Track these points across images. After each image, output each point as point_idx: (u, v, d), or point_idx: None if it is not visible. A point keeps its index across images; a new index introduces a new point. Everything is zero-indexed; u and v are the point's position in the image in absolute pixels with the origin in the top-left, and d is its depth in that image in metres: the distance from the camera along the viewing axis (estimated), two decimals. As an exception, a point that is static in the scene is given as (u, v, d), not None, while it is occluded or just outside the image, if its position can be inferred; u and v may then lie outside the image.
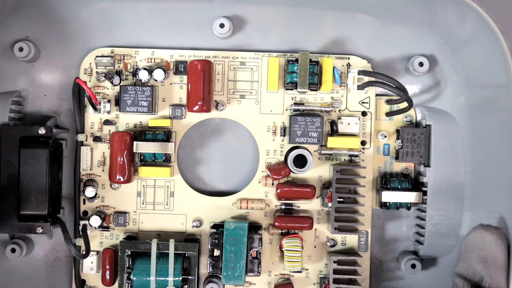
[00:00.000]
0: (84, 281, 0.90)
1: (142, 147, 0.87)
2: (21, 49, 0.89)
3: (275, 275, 0.90)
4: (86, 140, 0.90)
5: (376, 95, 0.90)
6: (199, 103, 0.87)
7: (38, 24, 0.90)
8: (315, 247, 0.90)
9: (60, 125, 0.92)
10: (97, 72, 0.90)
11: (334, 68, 0.88)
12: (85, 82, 0.86)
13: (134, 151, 0.87)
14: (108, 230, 0.90)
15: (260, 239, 0.87)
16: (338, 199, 0.87)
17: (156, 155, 0.88)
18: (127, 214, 0.90)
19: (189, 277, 0.87)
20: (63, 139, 0.91)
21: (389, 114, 0.90)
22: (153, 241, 0.86)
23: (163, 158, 0.88)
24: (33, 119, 0.91)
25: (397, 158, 0.90)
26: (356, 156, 0.89)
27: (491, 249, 0.77)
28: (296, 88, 0.88)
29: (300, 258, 0.87)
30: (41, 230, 0.86)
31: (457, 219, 0.88)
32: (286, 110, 0.90)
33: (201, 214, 0.90)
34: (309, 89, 0.88)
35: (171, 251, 0.86)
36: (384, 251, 0.92)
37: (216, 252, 0.87)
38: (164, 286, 0.86)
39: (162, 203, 0.90)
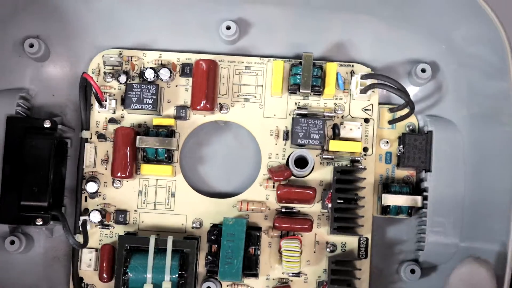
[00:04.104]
0: (82, 279, 0.90)
1: (145, 141, 0.88)
2: (31, 45, 0.90)
3: (273, 279, 0.90)
4: (91, 138, 0.91)
5: (379, 103, 0.91)
6: (203, 102, 0.88)
7: (49, 24, 0.92)
8: (314, 252, 0.90)
9: (67, 124, 0.92)
10: (104, 73, 0.91)
11: (337, 73, 0.89)
12: (91, 77, 0.88)
13: (137, 145, 0.88)
14: (108, 228, 0.90)
15: (258, 236, 0.87)
16: (338, 200, 0.87)
17: (158, 152, 0.89)
18: (128, 213, 0.90)
19: (186, 274, 0.86)
20: (68, 138, 0.92)
21: (392, 121, 0.90)
22: (151, 237, 0.86)
23: (165, 155, 0.89)
24: (40, 117, 0.92)
25: (398, 164, 0.90)
26: (358, 161, 0.90)
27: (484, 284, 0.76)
28: (299, 90, 0.89)
29: (298, 259, 0.86)
30: (41, 222, 0.86)
31: (457, 226, 0.87)
32: (290, 114, 0.91)
33: (202, 215, 0.90)
34: (312, 91, 0.89)
35: (169, 247, 0.86)
36: (385, 259, 0.91)
37: (214, 249, 0.87)
38: (160, 282, 0.85)
39: (163, 203, 0.91)
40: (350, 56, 0.92)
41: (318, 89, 0.89)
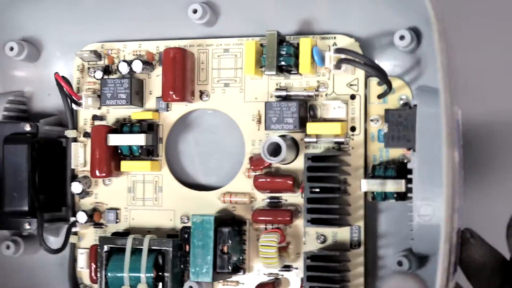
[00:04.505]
0: (80, 279, 0.90)
1: (114, 140, 0.85)
2: (11, 49, 0.90)
3: (264, 274, 0.84)
4: (81, 136, 0.89)
5: (368, 76, 0.82)
6: (170, 92, 0.84)
7: (33, 25, 0.91)
8: (304, 244, 0.83)
9: (65, 123, 0.91)
10: (88, 68, 0.89)
11: (314, 48, 0.81)
12: (63, 78, 0.86)
13: (108, 144, 0.85)
14: (101, 227, 0.89)
15: (229, 232, 0.81)
16: (315, 189, 0.79)
17: (132, 148, 0.86)
18: (119, 211, 0.88)
19: (165, 274, 0.83)
20: (66, 137, 0.91)
21: (381, 96, 0.81)
22: (129, 237, 0.84)
23: (139, 152, 0.86)
24: (38, 119, 0.92)
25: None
26: (342, 143, 0.81)
27: None
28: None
29: (275, 254, 0.80)
30: (28, 226, 0.86)
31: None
32: (271, 97, 0.84)
33: (189, 210, 0.86)
34: (282, 71, 0.82)
35: (145, 247, 0.83)
36: (382, 249, 0.82)
37: (187, 248, 0.83)
38: (137, 283, 0.83)
39: (151, 198, 0.88)
40: (332, 28, 0.83)
41: (290, 69, 0.81)
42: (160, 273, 0.83)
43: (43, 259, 0.91)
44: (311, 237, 0.83)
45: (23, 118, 0.92)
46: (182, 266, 0.83)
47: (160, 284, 0.83)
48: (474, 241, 0.77)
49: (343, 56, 0.79)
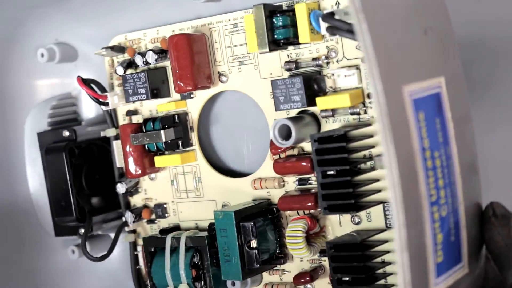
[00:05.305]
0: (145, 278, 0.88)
1: (137, 139, 0.82)
2: (42, 55, 0.89)
3: (307, 260, 0.78)
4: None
5: (377, 33, 0.72)
6: (178, 83, 0.79)
7: (65, 24, 0.89)
8: (340, 226, 0.76)
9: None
10: (117, 62, 0.86)
11: (311, 13, 0.72)
12: (83, 81, 0.83)
13: (132, 143, 0.82)
14: (155, 223, 0.87)
15: (253, 226, 0.75)
16: (330, 172, 0.71)
17: (157, 145, 0.82)
18: (166, 205, 0.86)
19: (205, 272, 0.80)
20: (115, 136, 0.89)
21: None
22: (168, 236, 0.81)
23: (164, 147, 0.82)
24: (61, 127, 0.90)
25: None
26: (359, 113, 0.72)
27: None
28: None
29: (302, 244, 0.74)
30: (83, 231, 0.87)
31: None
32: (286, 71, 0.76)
33: (229, 199, 0.82)
34: (281, 45, 0.74)
35: (182, 245, 0.80)
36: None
37: (217, 245, 0.78)
38: (180, 283, 0.80)
39: (193, 190, 0.84)
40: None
41: (288, 42, 0.73)
42: (201, 272, 0.80)
43: (109, 260, 0.90)
44: (345, 219, 0.75)
45: (74, 120, 0.91)
46: (215, 264, 0.78)
47: (202, 282, 0.79)
48: (496, 220, 0.66)
49: (333, 24, 0.70)
